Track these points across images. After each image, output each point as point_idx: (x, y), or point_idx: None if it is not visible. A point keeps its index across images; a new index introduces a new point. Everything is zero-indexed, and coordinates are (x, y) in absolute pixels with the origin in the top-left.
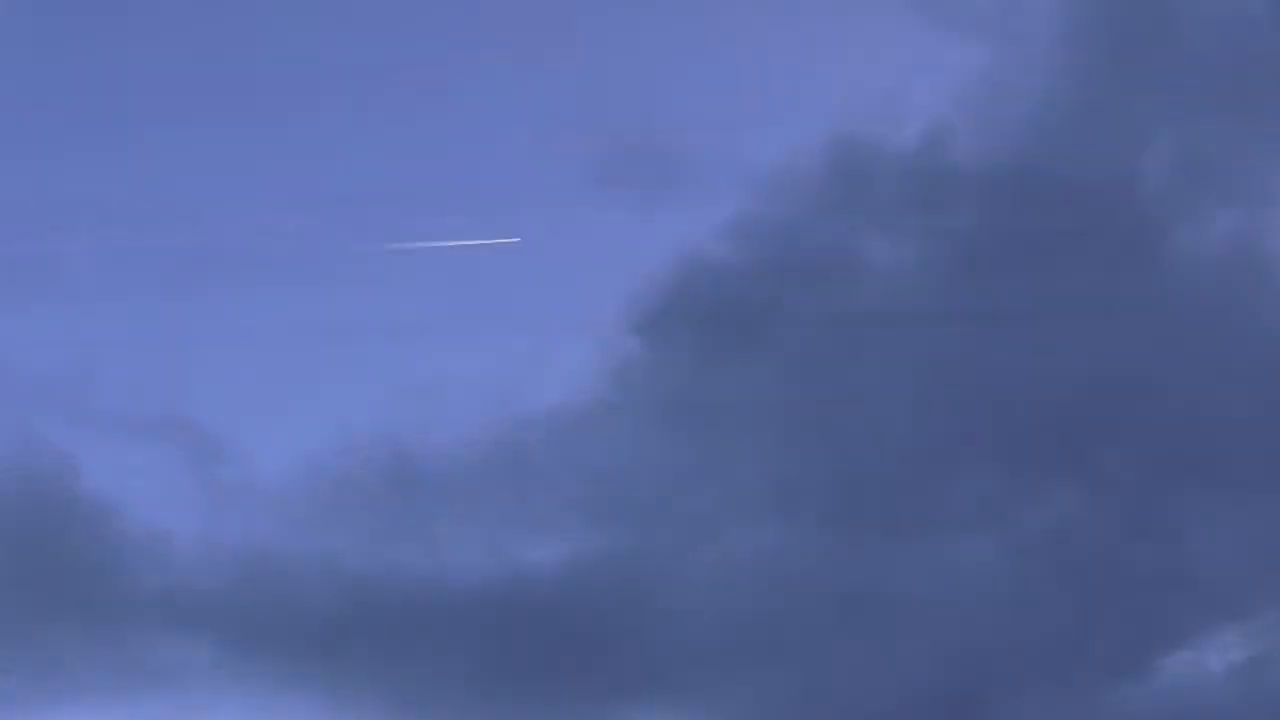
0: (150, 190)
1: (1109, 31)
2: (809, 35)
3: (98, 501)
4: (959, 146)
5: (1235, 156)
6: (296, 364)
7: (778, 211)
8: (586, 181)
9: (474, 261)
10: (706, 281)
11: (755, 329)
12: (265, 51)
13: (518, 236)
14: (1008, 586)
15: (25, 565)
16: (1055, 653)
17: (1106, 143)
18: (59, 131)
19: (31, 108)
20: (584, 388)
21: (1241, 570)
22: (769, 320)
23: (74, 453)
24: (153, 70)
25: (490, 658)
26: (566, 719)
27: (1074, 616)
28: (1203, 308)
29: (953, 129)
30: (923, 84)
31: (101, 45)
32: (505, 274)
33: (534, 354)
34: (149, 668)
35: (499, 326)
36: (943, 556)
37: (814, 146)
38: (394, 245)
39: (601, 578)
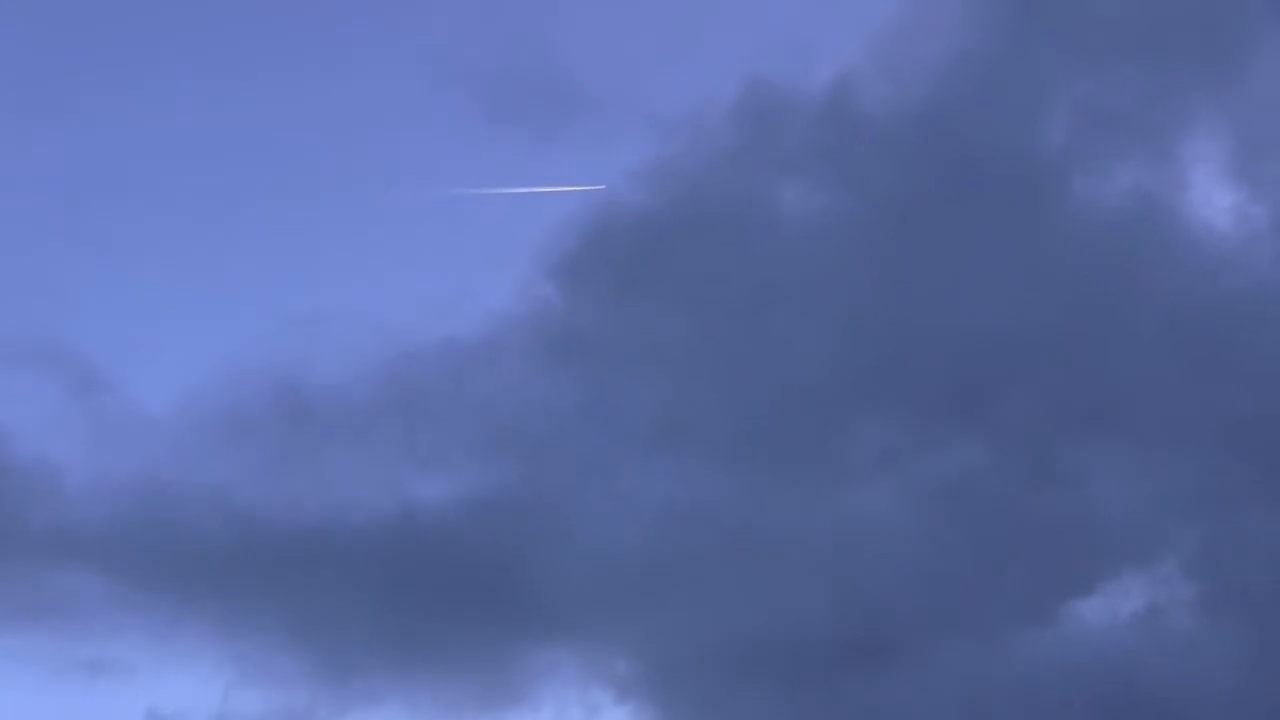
0: (38, 120)
1: None
2: None
3: None
4: (867, 95)
5: (1135, 112)
6: (186, 295)
7: (690, 157)
8: (503, 127)
9: (395, 205)
10: (618, 225)
11: (665, 272)
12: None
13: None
14: (914, 532)
15: None
16: (959, 599)
17: (1011, 95)
18: None
19: None
20: (490, 326)
21: (1142, 519)
22: (678, 264)
23: None
24: None
25: (382, 591)
26: (457, 651)
27: (979, 563)
28: (1102, 260)
29: (861, 77)
30: (833, 32)
31: None
32: (424, 218)
33: (447, 294)
34: (41, 599)
35: (413, 266)
36: (849, 501)
37: (726, 93)
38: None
39: (498, 513)
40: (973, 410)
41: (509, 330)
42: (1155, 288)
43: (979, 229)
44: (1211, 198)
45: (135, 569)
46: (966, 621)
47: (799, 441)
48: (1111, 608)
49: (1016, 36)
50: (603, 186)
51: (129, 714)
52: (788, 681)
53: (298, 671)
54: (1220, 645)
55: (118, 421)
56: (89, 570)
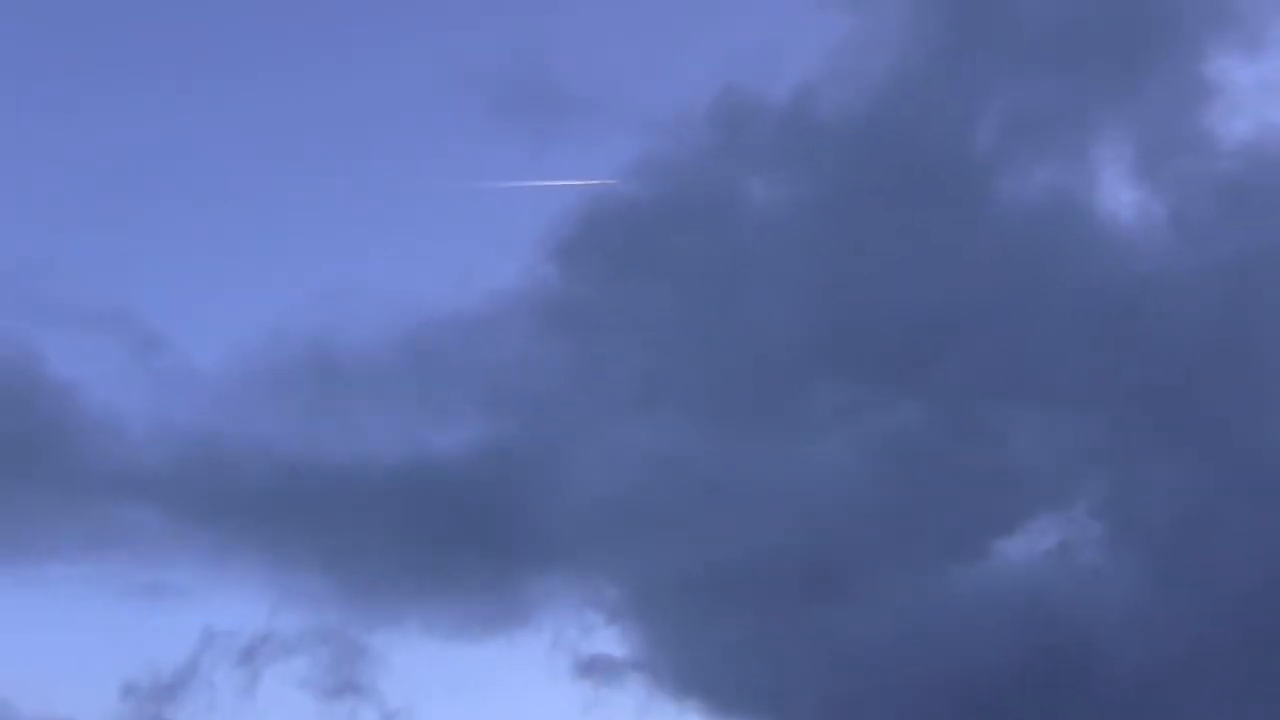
0: (103, 112)
1: (952, 6)
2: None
3: (60, 386)
4: (825, 101)
5: (1053, 119)
6: (233, 268)
7: (671, 154)
8: (507, 126)
9: (414, 194)
10: (610, 213)
11: (650, 255)
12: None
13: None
14: (859, 480)
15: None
16: (901, 537)
17: (946, 104)
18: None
19: None
20: (497, 300)
21: (1056, 469)
22: (661, 247)
23: (37, 342)
24: None
25: (403, 527)
26: (468, 579)
27: (917, 506)
28: (1023, 247)
29: (820, 86)
30: (796, 46)
31: None
32: (440, 206)
33: (460, 272)
34: (108, 531)
35: (430, 248)
36: (806, 452)
37: (703, 98)
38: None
39: (503, 461)
40: (913, 374)
41: (513, 304)
42: (1069, 271)
43: (918, 219)
44: (1118, 194)
45: (190, 506)
46: (907, 556)
47: (764, 401)
48: (1030, 545)
49: (951, 54)
50: (600, 181)
51: (186, 631)
52: (754, 606)
53: (331, 595)
54: (1122, 576)
55: (174, 377)
56: (150, 507)
